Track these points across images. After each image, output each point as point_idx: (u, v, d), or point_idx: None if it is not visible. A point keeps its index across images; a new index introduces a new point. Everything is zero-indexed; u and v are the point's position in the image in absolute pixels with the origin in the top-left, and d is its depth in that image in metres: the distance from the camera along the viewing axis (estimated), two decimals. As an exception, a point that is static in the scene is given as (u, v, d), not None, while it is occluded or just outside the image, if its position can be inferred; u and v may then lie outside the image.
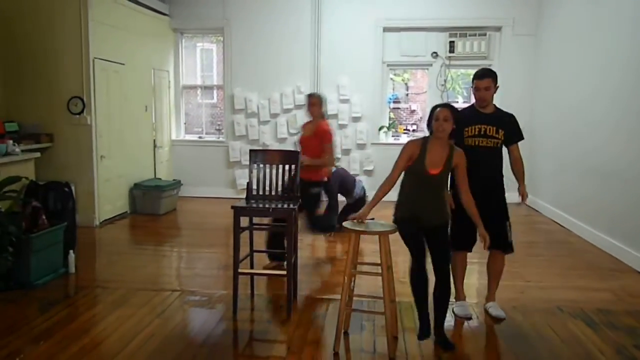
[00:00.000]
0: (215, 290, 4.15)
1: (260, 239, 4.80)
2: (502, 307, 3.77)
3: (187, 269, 5.01)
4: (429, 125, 3.27)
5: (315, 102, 4.76)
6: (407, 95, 8.89)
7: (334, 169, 5.93)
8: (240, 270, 3.66)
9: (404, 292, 3.86)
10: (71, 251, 4.56)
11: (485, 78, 3.58)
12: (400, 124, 8.48)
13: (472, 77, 3.71)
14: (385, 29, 7.86)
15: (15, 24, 5.98)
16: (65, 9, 5.93)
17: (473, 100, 3.75)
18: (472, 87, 3.69)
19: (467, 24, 7.72)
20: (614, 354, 3.14)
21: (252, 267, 4.09)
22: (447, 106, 3.23)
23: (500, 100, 7.55)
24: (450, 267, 3.27)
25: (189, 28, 8.32)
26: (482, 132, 3.57)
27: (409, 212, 3.21)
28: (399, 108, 8.51)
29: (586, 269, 4.81)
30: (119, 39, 6.68)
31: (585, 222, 5.86)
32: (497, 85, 3.63)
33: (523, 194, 3.74)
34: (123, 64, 6.71)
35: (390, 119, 8.21)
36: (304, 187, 4.28)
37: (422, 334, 3.22)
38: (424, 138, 3.28)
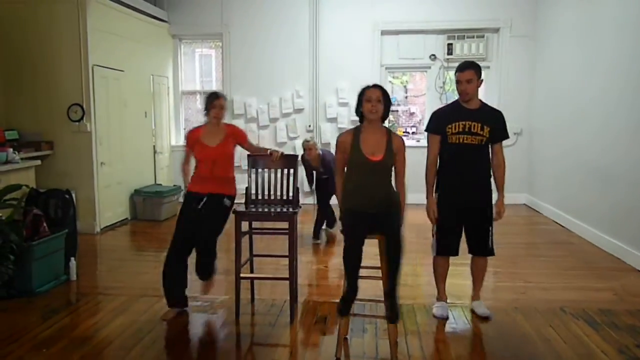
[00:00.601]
0: (217, 296, 4.15)
1: (262, 243, 4.81)
2: (504, 308, 3.78)
3: (189, 274, 4.99)
4: (358, 109, 3.11)
5: (224, 105, 3.81)
6: (406, 97, 8.90)
7: (320, 151, 5.88)
8: (241, 275, 3.66)
9: (405, 294, 3.86)
10: (72, 258, 4.57)
11: (467, 70, 3.41)
12: (400, 127, 8.50)
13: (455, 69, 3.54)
14: (383, 32, 7.88)
15: (14, 32, 6.00)
16: (64, 16, 5.95)
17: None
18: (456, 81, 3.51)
19: (464, 26, 7.74)
20: (616, 354, 3.13)
21: (252, 271, 4.10)
22: (377, 86, 3.11)
23: (499, 101, 7.65)
24: (401, 258, 3.05)
25: (188, 34, 8.34)
26: (466, 129, 3.42)
27: (356, 203, 3.06)
28: (397, 111, 8.53)
29: (587, 269, 4.81)
30: (118, 46, 6.70)
31: (585, 222, 5.86)
32: (481, 79, 3.46)
33: (500, 209, 3.54)
34: (122, 71, 6.73)
35: (389, 121, 8.23)
36: (218, 203, 3.73)
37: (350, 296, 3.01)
38: (355, 127, 3.16)
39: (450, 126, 3.43)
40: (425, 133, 3.68)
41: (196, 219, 3.67)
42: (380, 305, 3.36)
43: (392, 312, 3.02)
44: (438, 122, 3.52)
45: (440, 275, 3.73)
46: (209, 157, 3.74)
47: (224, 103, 3.81)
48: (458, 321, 3.64)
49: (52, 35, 5.99)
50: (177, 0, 8.07)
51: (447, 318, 3.64)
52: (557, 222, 6.61)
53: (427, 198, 3.56)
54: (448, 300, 3.78)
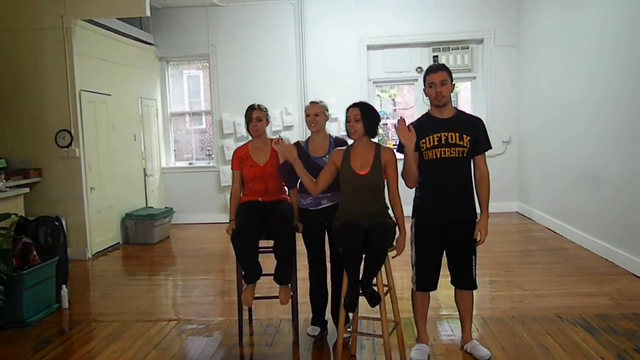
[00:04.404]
0: (213, 318, 4.10)
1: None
2: (501, 317, 3.76)
3: (183, 297, 4.96)
4: (346, 128, 3.22)
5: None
6: (394, 110, 8.94)
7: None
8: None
9: (402, 308, 3.83)
10: (64, 286, 4.51)
11: (440, 71, 3.07)
12: (390, 140, 8.52)
13: (423, 75, 3.21)
14: (369, 47, 7.95)
15: (-1, 60, 5.99)
16: (49, 42, 5.94)
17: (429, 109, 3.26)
18: (423, 89, 3.18)
19: (449, 38, 7.82)
20: (615, 359, 3.13)
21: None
22: (357, 105, 3.17)
23: (487, 110, 7.71)
24: (386, 249, 3.02)
25: (175, 56, 8.36)
26: (442, 141, 3.04)
27: (348, 218, 3.06)
28: (386, 124, 8.56)
29: (582, 275, 4.81)
30: (105, 70, 6.70)
31: (578, 227, 5.88)
32: (454, 83, 3.13)
33: (482, 229, 3.11)
34: (109, 95, 6.72)
35: (378, 135, 8.22)
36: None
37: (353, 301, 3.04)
38: (349, 145, 3.27)
39: (424, 140, 3.07)
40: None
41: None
42: (377, 323, 3.33)
43: (372, 298, 2.99)
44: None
45: (420, 313, 3.30)
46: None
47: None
48: (456, 332, 3.61)
49: (37, 61, 5.98)
50: (163, 22, 8.10)
51: None
52: (549, 229, 6.63)
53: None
54: (443, 312, 3.73)
